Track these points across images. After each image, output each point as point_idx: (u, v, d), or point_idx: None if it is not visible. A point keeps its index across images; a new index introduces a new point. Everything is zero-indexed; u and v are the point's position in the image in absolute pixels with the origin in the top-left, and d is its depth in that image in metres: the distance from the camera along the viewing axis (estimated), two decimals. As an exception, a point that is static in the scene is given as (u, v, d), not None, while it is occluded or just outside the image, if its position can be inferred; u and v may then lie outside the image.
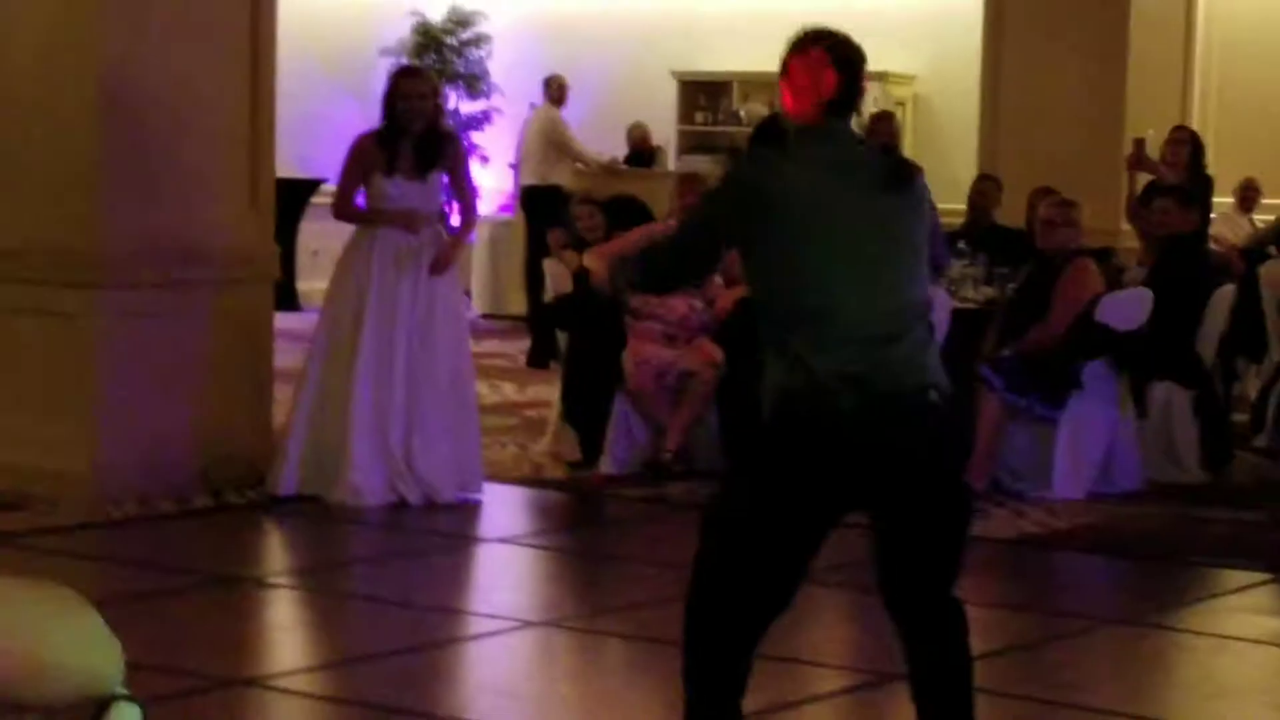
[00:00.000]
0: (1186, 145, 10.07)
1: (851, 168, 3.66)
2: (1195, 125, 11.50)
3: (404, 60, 15.22)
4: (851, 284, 3.55)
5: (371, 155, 7.29)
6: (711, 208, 3.78)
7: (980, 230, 9.49)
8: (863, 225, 3.59)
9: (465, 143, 15.05)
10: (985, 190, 9.92)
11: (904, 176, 3.68)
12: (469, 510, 7.24)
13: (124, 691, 1.64)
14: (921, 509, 3.62)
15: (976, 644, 3.79)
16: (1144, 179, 10.17)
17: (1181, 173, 9.79)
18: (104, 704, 1.62)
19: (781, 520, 3.56)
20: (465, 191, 7.53)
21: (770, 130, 10.33)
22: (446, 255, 7.31)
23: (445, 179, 7.47)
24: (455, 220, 7.79)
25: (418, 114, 7.25)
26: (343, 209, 7.42)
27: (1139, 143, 10.07)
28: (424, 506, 7.18)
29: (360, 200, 7.42)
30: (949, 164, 13.31)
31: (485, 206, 15.52)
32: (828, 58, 3.71)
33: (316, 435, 7.22)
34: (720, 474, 7.39)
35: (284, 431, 7.36)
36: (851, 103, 3.74)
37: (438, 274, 7.27)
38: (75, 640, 1.61)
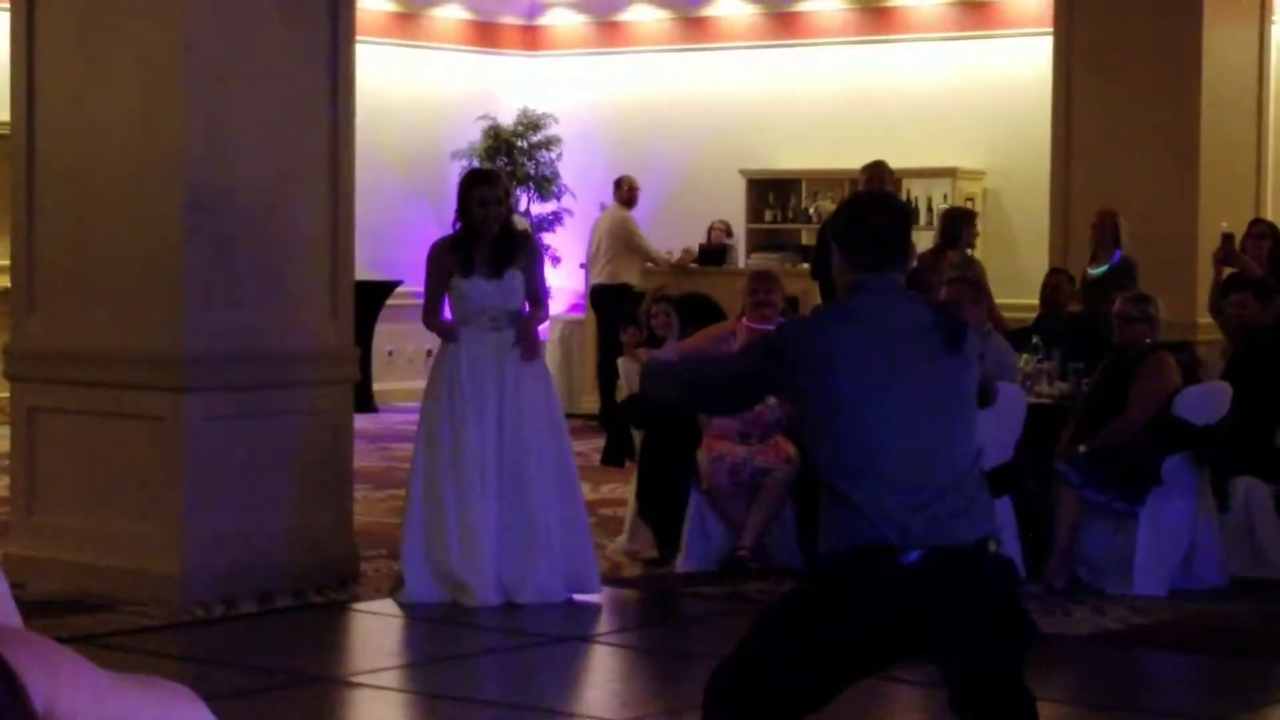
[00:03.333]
0: (1267, 239, 10.06)
1: (903, 328, 3.81)
2: (1269, 216, 11.47)
3: (475, 163, 15.44)
4: (905, 444, 3.69)
5: (448, 261, 7.38)
6: (762, 356, 3.95)
7: (1053, 324, 9.49)
8: (913, 387, 3.73)
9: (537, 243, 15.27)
10: (1058, 284, 9.93)
11: (956, 339, 3.82)
12: (547, 610, 7.25)
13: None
14: (981, 654, 3.72)
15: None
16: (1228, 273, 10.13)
17: (1263, 267, 9.77)
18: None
19: (831, 658, 3.67)
20: (536, 290, 7.57)
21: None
22: (531, 341, 7.38)
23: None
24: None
25: (493, 219, 7.35)
26: (431, 320, 7.47)
27: (1227, 238, 10.03)
28: (502, 606, 7.19)
29: (446, 307, 7.49)
30: (1020, 258, 13.32)
31: (557, 306, 15.66)
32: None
33: (429, 543, 7.22)
34: (796, 575, 7.43)
35: (400, 542, 7.36)
36: (898, 258, 3.89)
37: (529, 359, 7.34)
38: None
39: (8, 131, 7.67)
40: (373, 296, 13.48)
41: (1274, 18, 12.42)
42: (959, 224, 10.74)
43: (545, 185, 15.62)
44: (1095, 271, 10.20)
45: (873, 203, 4.30)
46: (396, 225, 14.63)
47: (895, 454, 3.68)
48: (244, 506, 7.23)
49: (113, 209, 7.28)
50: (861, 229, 3.88)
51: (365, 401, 13.02)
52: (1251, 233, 10.12)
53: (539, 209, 15.62)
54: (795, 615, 3.77)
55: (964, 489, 3.71)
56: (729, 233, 14.64)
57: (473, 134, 15.50)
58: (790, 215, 15.13)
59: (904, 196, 13.51)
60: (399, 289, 14.08)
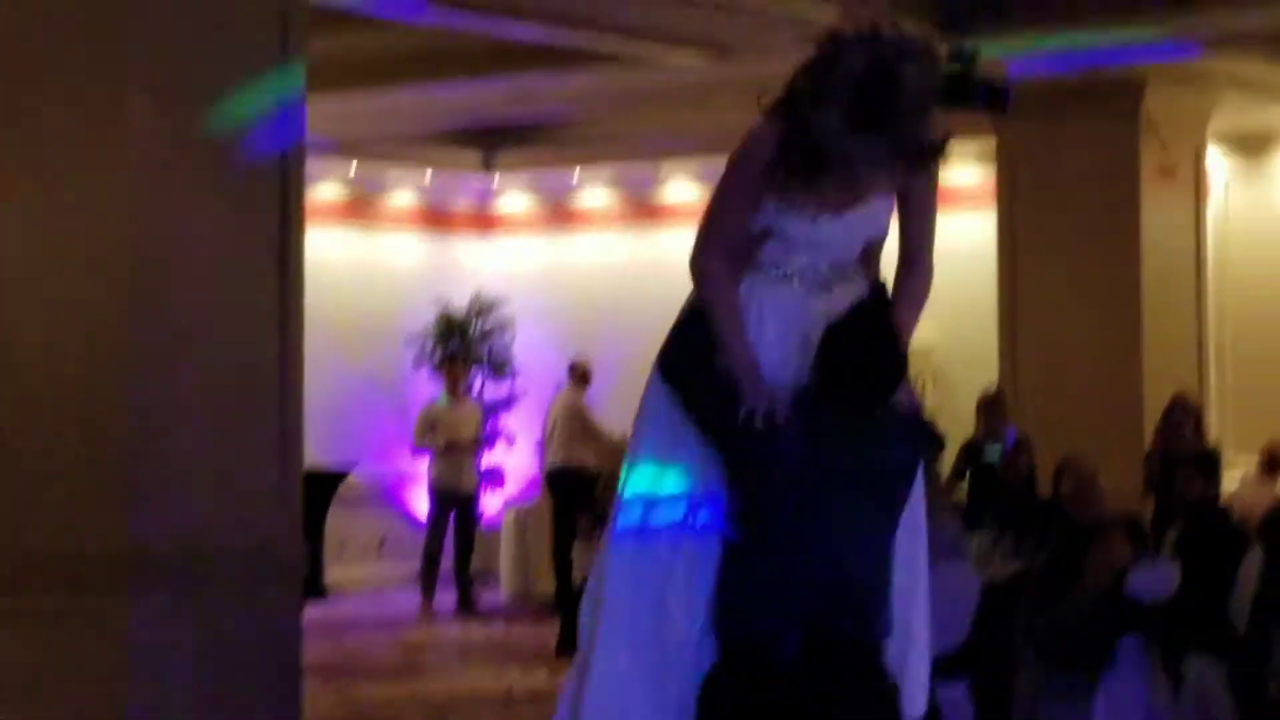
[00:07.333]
0: (1190, 415, 10.24)
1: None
2: (1212, 387, 11.61)
3: (429, 345, 15.45)
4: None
5: (767, 173, 4.09)
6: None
7: (1010, 500, 9.50)
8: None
9: (492, 424, 15.21)
10: (1016, 463, 9.97)
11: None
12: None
13: None
14: None
15: None
16: None
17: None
18: None
19: None
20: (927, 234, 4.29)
21: None
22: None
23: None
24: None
25: (922, 110, 3.98)
26: (709, 259, 4.32)
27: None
28: None
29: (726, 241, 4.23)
30: (970, 434, 13.37)
31: (512, 487, 15.61)
32: None
33: None
34: None
35: None
36: None
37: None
38: None
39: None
40: (323, 486, 13.41)
41: (1209, 196, 12.71)
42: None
43: (501, 368, 15.67)
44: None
45: None
46: (345, 412, 14.58)
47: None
48: (190, 707, 7.10)
49: (53, 406, 7.23)
50: None
51: (317, 589, 12.92)
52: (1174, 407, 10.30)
53: (493, 391, 15.64)
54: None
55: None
56: None
57: (426, 316, 15.56)
58: (746, 391, 15.16)
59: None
60: (349, 478, 13.98)
